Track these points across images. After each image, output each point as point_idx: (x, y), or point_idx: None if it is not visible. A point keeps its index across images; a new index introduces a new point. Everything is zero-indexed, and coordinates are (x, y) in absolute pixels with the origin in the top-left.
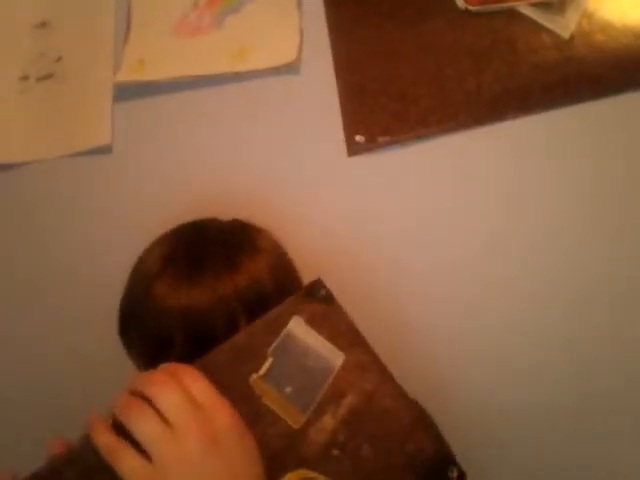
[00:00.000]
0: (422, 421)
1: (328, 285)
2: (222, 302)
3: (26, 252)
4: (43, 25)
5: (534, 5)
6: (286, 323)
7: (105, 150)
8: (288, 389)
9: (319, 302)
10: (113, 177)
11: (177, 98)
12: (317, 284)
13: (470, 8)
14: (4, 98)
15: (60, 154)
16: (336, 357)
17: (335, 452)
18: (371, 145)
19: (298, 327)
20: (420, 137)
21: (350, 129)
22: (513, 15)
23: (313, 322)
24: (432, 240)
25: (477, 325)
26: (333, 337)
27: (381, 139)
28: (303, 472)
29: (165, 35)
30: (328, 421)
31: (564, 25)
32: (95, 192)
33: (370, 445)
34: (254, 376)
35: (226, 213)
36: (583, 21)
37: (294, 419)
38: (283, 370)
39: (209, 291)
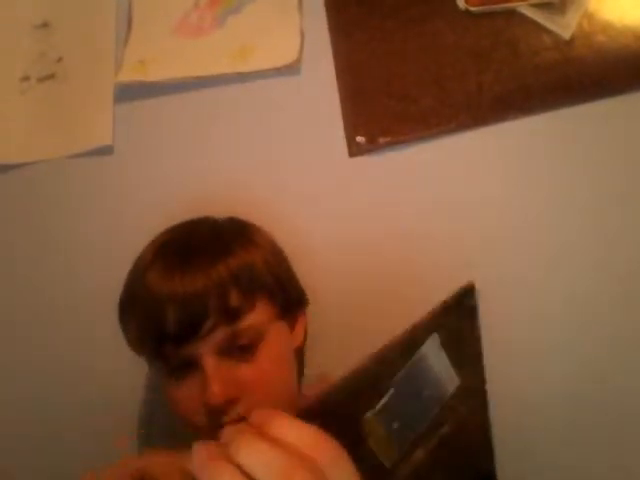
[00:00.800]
0: (490, 455)
1: (331, 286)
2: (214, 283)
3: (26, 252)
4: (44, 25)
5: (535, 6)
6: (422, 342)
7: (106, 151)
8: (395, 425)
9: (462, 315)
10: (114, 178)
11: (178, 98)
12: (469, 290)
13: (471, 9)
14: (5, 99)
15: (61, 155)
16: (452, 383)
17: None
18: (372, 146)
19: (432, 349)
20: (421, 138)
21: (351, 130)
22: (514, 16)
23: (448, 342)
24: (434, 240)
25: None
26: (457, 360)
27: (382, 140)
28: None
29: (166, 35)
30: (419, 454)
31: (565, 26)
32: (96, 192)
33: (442, 473)
34: (368, 414)
35: (226, 213)
36: (584, 22)
37: (389, 457)
38: (399, 403)
39: (201, 275)
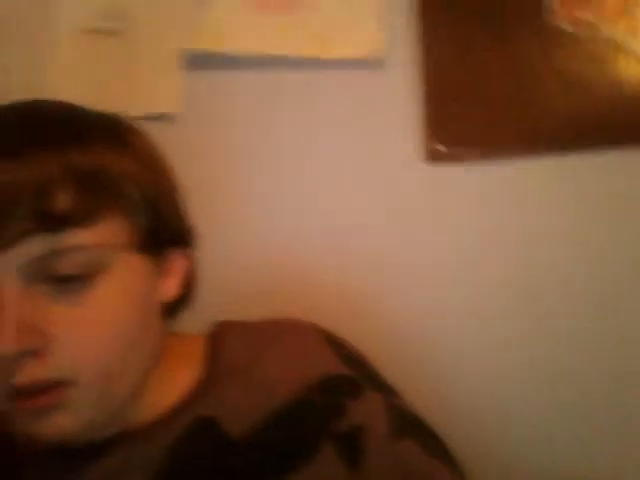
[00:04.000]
0: None
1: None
2: (38, 175)
3: None
4: None
5: (631, 33)
6: None
7: (169, 118)
8: None
9: None
10: (175, 146)
11: (250, 75)
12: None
13: (561, 26)
14: (72, 51)
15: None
16: None
17: None
18: (451, 154)
19: None
20: (503, 156)
21: (431, 135)
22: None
23: None
24: (505, 262)
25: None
26: None
27: (463, 150)
28: None
29: (247, 7)
30: None
31: None
32: None
33: None
34: None
35: (285, 208)
36: None
37: None
38: None
39: (22, 161)
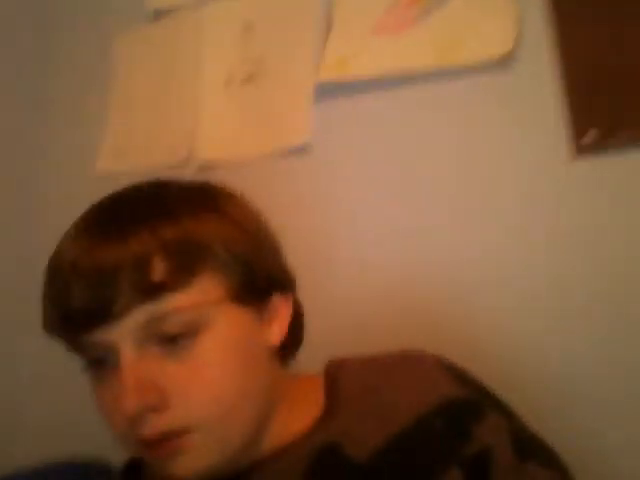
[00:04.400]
0: None
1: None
2: (132, 253)
3: None
4: (248, 27)
5: None
6: None
7: (305, 150)
8: None
9: None
10: (312, 177)
11: (378, 96)
12: None
13: None
14: (211, 101)
15: (263, 154)
16: None
17: None
18: (606, 142)
19: None
20: None
21: (581, 122)
22: None
23: None
24: None
25: None
26: None
27: (621, 133)
28: None
29: (366, 33)
30: None
31: None
32: (292, 192)
33: None
34: None
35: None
36: None
37: None
38: None
39: (117, 243)
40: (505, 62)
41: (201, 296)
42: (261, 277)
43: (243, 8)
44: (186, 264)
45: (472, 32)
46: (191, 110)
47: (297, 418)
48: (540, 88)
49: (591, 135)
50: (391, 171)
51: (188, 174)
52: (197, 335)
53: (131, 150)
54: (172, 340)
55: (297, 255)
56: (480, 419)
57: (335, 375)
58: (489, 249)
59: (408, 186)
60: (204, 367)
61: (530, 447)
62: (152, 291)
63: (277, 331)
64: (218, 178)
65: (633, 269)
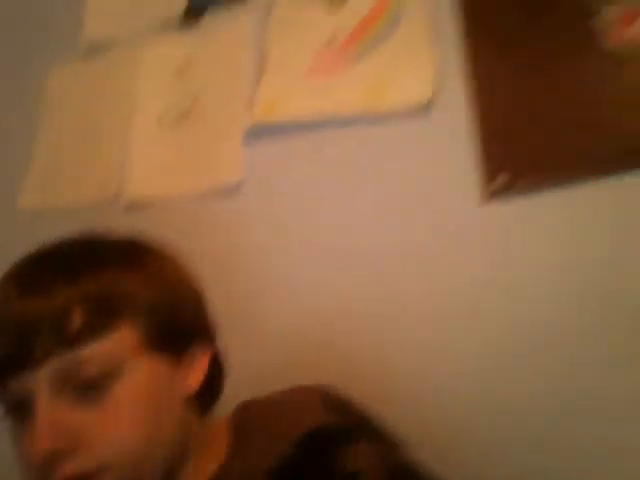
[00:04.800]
0: None
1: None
2: (53, 304)
3: None
4: (184, 66)
5: None
6: None
7: (234, 190)
8: None
9: None
10: (240, 216)
11: (305, 140)
12: None
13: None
14: (143, 137)
15: (192, 192)
16: None
17: None
18: (515, 185)
19: None
20: (568, 180)
21: (492, 167)
22: None
23: None
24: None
25: None
26: None
27: (528, 178)
28: None
29: (299, 75)
30: None
31: None
32: (221, 230)
33: None
34: None
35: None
36: None
37: None
38: None
39: (40, 296)
40: (424, 110)
41: (117, 345)
42: (179, 329)
43: (180, 46)
44: (103, 315)
45: (396, 80)
46: (122, 146)
47: (205, 465)
48: (455, 135)
49: (500, 180)
50: (312, 214)
51: (116, 211)
52: (111, 383)
53: (58, 185)
54: (88, 387)
55: (228, 295)
56: (348, 445)
57: (240, 418)
58: (403, 289)
59: (330, 229)
60: (115, 413)
61: (409, 477)
62: (69, 340)
63: (193, 381)
64: (147, 216)
65: (543, 306)
